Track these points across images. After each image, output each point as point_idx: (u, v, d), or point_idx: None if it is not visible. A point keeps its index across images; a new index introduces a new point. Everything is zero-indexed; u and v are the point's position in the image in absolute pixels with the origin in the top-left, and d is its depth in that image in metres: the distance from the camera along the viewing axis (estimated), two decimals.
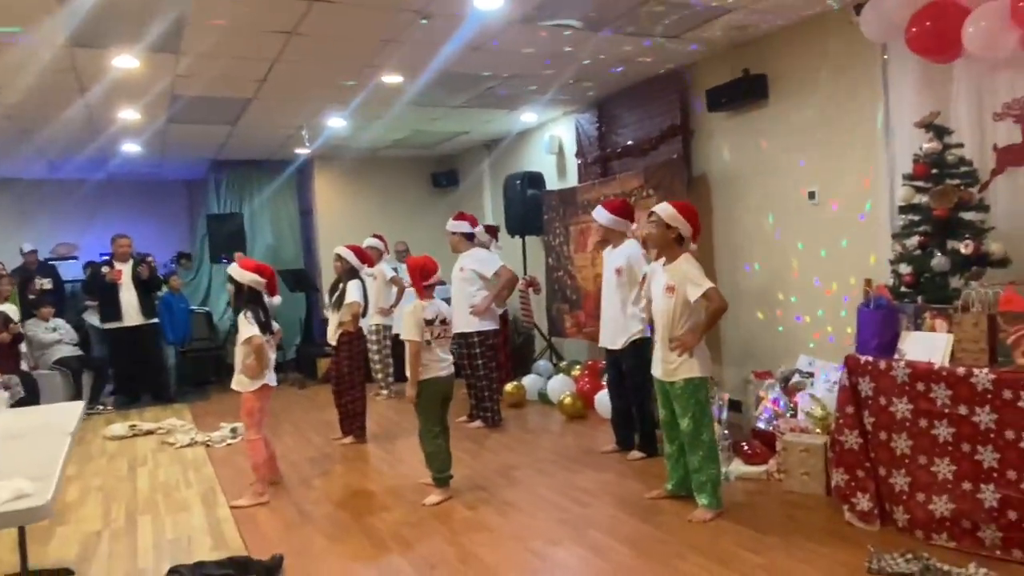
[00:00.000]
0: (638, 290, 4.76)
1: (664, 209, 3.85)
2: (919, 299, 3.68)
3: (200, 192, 10.66)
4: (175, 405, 7.69)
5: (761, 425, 4.77)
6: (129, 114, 6.55)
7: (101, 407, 7.51)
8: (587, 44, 5.29)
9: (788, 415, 4.59)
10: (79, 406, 3.81)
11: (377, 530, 3.89)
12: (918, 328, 3.54)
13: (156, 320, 7.88)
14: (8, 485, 2.08)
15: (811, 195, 5.11)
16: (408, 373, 4.22)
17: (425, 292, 4.32)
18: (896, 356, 3.51)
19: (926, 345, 3.42)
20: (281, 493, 4.60)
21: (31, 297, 7.80)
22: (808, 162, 5.12)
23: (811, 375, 4.83)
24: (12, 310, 7.06)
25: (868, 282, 4.30)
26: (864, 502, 3.57)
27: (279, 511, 4.29)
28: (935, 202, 3.62)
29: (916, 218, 3.78)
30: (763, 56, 5.34)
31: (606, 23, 4.86)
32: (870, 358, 3.58)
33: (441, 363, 4.29)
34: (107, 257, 7.95)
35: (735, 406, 5.03)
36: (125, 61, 5.02)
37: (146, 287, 7.73)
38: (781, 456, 4.23)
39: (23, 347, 7.07)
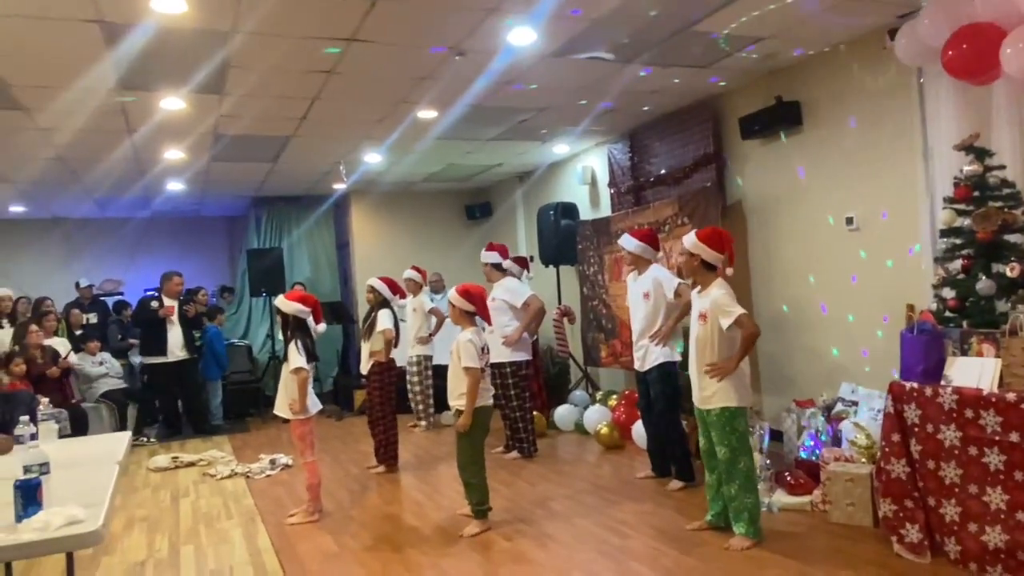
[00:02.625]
0: (665, 311, 4.80)
1: (687, 238, 3.88)
2: (964, 323, 3.60)
3: (240, 228, 10.94)
4: (215, 437, 7.81)
5: (804, 455, 4.68)
6: (174, 154, 6.77)
7: (144, 439, 7.65)
8: (619, 76, 5.35)
9: (831, 444, 4.50)
10: (126, 436, 3.89)
11: (416, 562, 3.88)
12: (964, 353, 3.47)
13: (196, 356, 8.06)
14: (61, 511, 2.12)
15: (848, 220, 5.06)
16: (458, 402, 4.20)
17: (471, 320, 4.34)
18: (942, 382, 3.44)
19: (973, 371, 3.35)
20: (320, 524, 4.63)
21: (78, 332, 8.02)
22: (845, 187, 5.08)
23: (854, 403, 4.73)
24: (60, 343, 7.27)
25: (911, 307, 4.24)
26: (913, 533, 3.47)
27: (318, 542, 4.30)
28: (978, 225, 3.56)
29: (958, 241, 3.73)
30: (796, 83, 5.34)
31: (637, 55, 4.92)
32: (915, 385, 3.50)
33: (487, 392, 4.33)
34: (153, 292, 8.16)
35: (775, 435, 4.94)
36: (172, 103, 5.21)
37: (190, 324, 7.96)
38: (826, 486, 4.15)
39: (72, 380, 7.25)
